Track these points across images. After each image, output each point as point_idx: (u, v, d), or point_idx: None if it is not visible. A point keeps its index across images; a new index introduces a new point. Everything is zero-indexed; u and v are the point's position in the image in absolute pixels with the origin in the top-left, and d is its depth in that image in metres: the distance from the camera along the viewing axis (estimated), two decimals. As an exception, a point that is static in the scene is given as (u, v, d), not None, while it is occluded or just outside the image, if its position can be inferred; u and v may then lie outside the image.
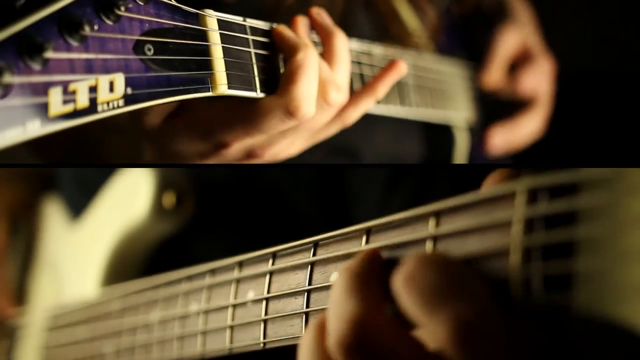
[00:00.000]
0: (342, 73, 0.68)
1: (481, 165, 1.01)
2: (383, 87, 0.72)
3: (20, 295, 1.07)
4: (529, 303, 0.43)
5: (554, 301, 0.42)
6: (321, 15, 0.70)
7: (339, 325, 0.47)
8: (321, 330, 0.50)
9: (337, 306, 0.48)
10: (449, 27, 1.02)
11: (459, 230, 0.48)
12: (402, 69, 0.73)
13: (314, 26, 0.70)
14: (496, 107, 1.07)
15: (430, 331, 0.44)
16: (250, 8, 0.68)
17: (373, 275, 0.50)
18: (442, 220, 0.50)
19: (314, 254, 0.59)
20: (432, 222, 0.50)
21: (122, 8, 0.55)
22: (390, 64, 0.72)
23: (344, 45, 0.69)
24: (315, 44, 0.70)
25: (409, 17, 0.90)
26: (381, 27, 0.88)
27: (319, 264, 0.58)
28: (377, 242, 0.54)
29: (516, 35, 1.06)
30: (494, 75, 1.04)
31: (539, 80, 1.07)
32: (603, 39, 1.35)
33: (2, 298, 1.06)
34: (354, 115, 0.72)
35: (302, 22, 0.68)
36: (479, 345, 0.43)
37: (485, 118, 1.05)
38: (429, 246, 0.50)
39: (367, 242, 0.55)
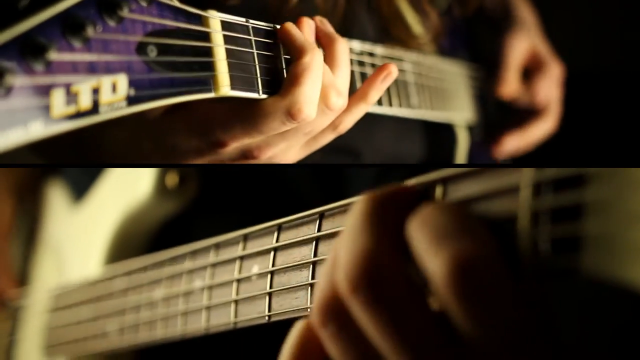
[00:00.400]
0: (342, 78, 0.68)
1: (481, 165, 1.01)
2: (374, 93, 0.71)
3: (23, 276, 1.08)
4: (537, 266, 0.44)
5: (562, 264, 0.42)
6: (324, 23, 0.70)
7: (353, 257, 0.46)
8: (308, 333, 0.50)
9: (353, 238, 0.47)
10: (452, 28, 1.01)
11: (466, 197, 0.48)
12: (393, 73, 0.71)
13: (317, 33, 0.69)
14: (502, 111, 1.06)
15: (432, 269, 0.44)
16: (253, 9, 0.68)
17: (396, 211, 0.48)
18: (449, 187, 0.49)
19: (319, 226, 0.59)
20: (439, 190, 0.50)
21: (125, 9, 0.54)
22: (380, 68, 0.71)
23: (345, 51, 0.69)
24: None
25: (411, 19, 0.90)
26: (383, 29, 0.87)
27: (325, 236, 0.58)
28: None
29: (526, 42, 1.05)
30: (510, 84, 1.03)
31: (551, 87, 1.06)
32: (603, 39, 1.35)
33: (5, 279, 1.06)
34: (347, 123, 0.71)
35: (308, 23, 0.68)
36: (475, 284, 0.43)
37: (490, 121, 1.05)
38: None
39: None
